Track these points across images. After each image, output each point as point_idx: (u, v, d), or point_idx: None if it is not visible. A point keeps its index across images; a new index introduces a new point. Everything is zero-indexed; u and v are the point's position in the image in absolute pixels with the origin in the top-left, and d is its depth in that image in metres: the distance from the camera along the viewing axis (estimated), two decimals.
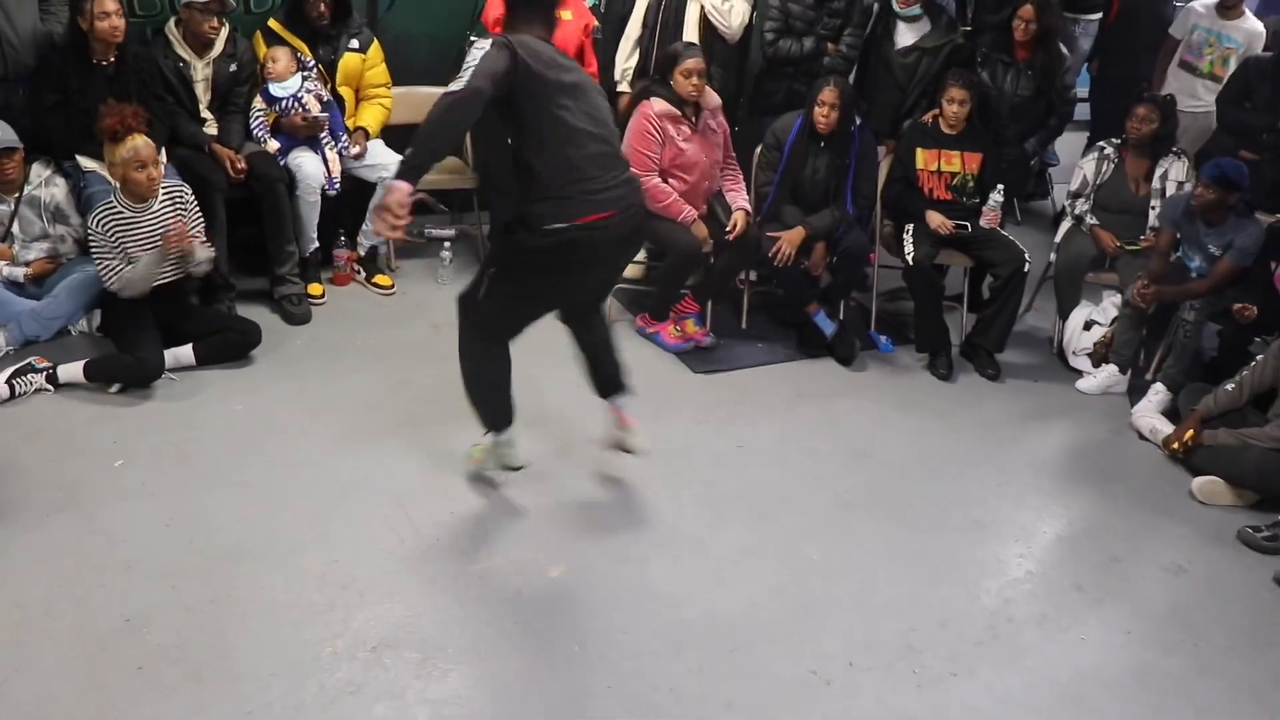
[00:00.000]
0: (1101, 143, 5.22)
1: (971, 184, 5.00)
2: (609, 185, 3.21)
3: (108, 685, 2.79)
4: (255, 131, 4.87)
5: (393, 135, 5.19)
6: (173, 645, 2.92)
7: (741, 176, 4.99)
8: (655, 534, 3.60)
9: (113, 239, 4.10)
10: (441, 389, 3.98)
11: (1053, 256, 5.35)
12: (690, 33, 5.14)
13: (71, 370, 4.08)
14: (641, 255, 5.22)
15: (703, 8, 5.13)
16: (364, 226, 5.17)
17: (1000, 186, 4.98)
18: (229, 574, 3.20)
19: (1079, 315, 5.11)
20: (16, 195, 4.39)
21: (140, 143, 4.05)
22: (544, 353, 3.75)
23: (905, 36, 5.37)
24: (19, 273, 4.42)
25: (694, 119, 4.71)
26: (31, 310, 4.36)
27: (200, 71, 4.77)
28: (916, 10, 5.29)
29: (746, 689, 2.97)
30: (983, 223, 4.95)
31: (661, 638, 3.12)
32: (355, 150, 4.97)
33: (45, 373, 4.06)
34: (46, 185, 4.47)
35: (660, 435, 4.02)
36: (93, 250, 4.18)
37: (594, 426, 3.83)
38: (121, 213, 4.13)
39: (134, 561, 3.24)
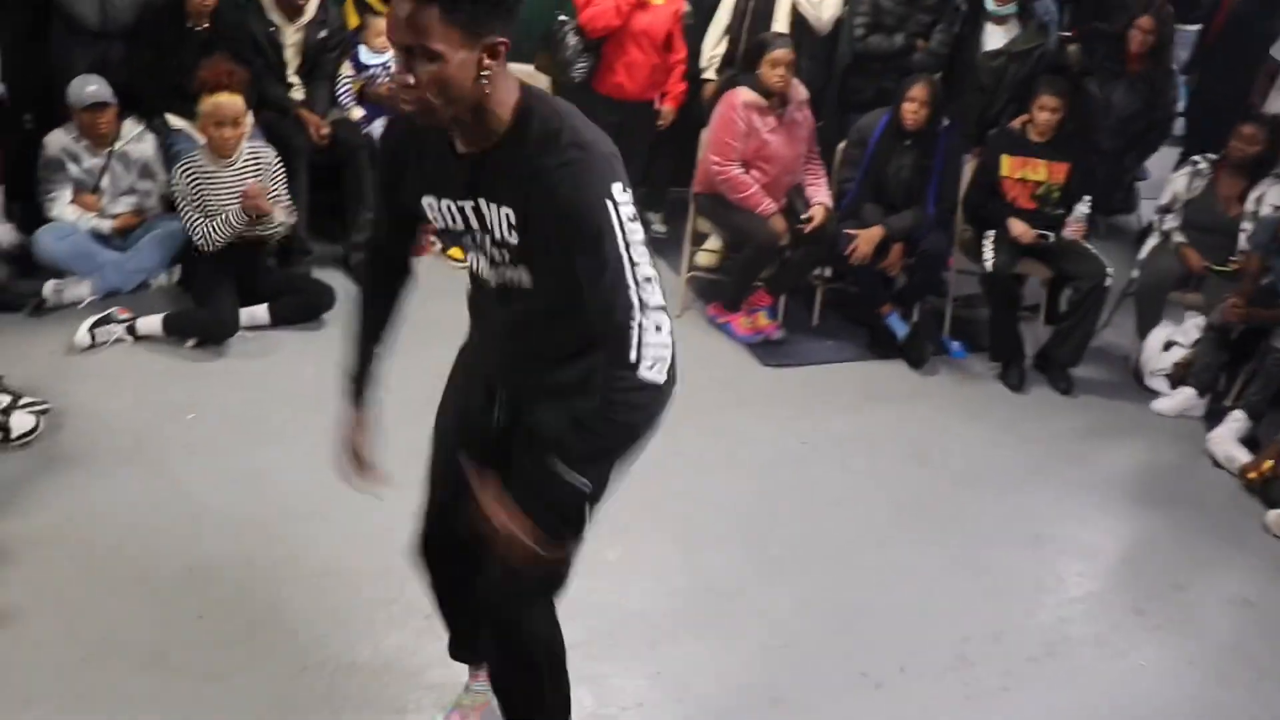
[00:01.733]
0: (1196, 158, 5.10)
1: (1056, 194, 4.90)
2: None
3: (169, 631, 2.85)
4: (341, 98, 4.93)
5: None
6: (232, 597, 2.98)
7: (824, 171, 4.94)
8: (712, 523, 3.59)
9: (193, 191, 4.18)
10: None
11: (1135, 273, 5.24)
12: (780, 23, 5.12)
13: (150, 323, 4.17)
14: (717, 244, 5.21)
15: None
16: None
17: (1087, 198, 4.88)
18: (290, 532, 3.25)
19: (1159, 335, 5.00)
20: (109, 150, 4.49)
21: (224, 100, 4.12)
22: None
23: (993, 39, 5.29)
24: (105, 225, 4.52)
25: (780, 110, 4.67)
26: (115, 262, 4.47)
27: (290, 37, 4.84)
28: (1011, 8, 5.20)
29: (794, 685, 2.95)
30: (1066, 234, 4.85)
31: (712, 629, 3.11)
32: None
33: (126, 324, 4.15)
34: (137, 141, 4.57)
35: (724, 426, 4.02)
36: (177, 203, 4.27)
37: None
38: (204, 167, 4.21)
39: (200, 513, 3.31)
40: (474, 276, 2.02)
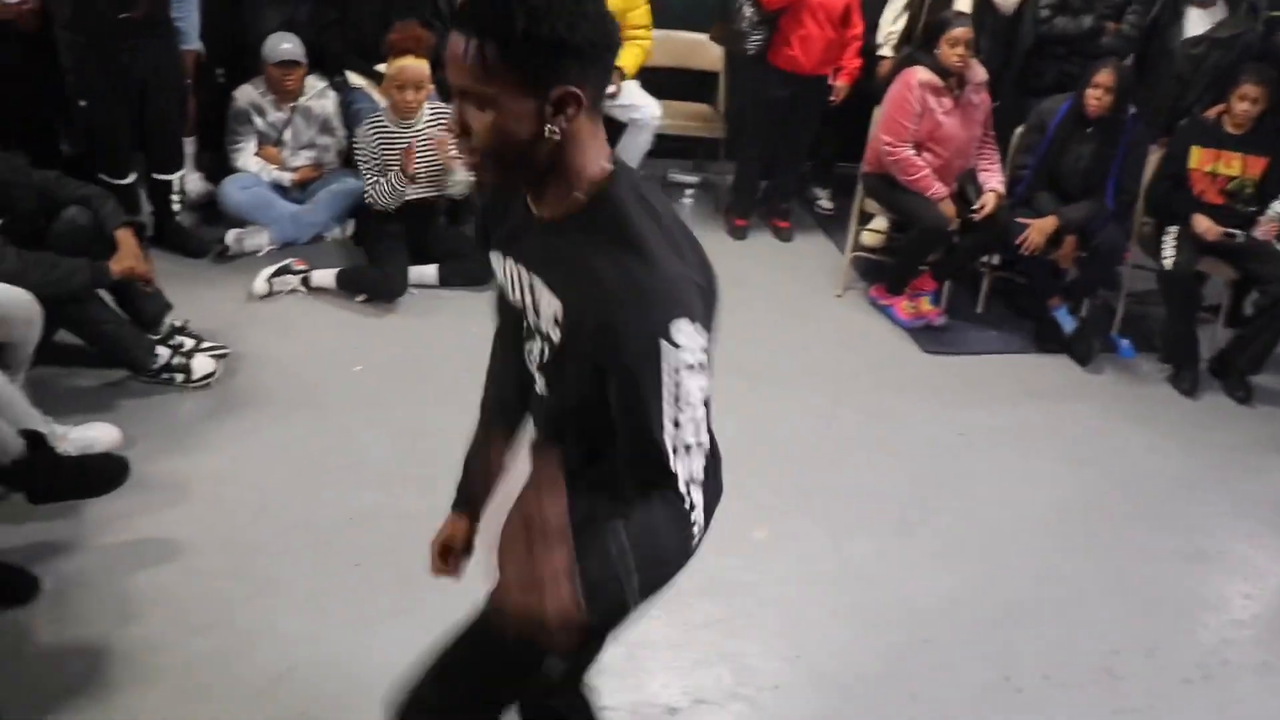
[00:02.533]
0: None
1: (1250, 190, 4.64)
2: None
3: (326, 576, 2.98)
4: None
5: (648, 77, 5.23)
6: (388, 548, 3.08)
7: (998, 156, 4.79)
8: (860, 509, 3.55)
9: (374, 150, 4.31)
10: None
11: None
12: (962, 1, 4.96)
13: (324, 276, 4.33)
14: (883, 224, 5.13)
15: None
16: None
17: None
18: (447, 488, 3.33)
19: None
20: (292, 105, 4.65)
21: (410, 64, 4.22)
22: None
23: (1196, 24, 5.03)
24: (285, 177, 4.70)
25: (956, 91, 4.55)
26: (293, 214, 4.64)
27: None
28: None
29: (933, 682, 2.91)
30: (1258, 234, 4.59)
31: (854, 617, 3.09)
32: (611, 89, 5.02)
33: (301, 275, 4.32)
34: (319, 97, 4.72)
35: (880, 410, 3.97)
36: (357, 160, 4.41)
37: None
38: (386, 127, 4.33)
39: (361, 464, 3.43)
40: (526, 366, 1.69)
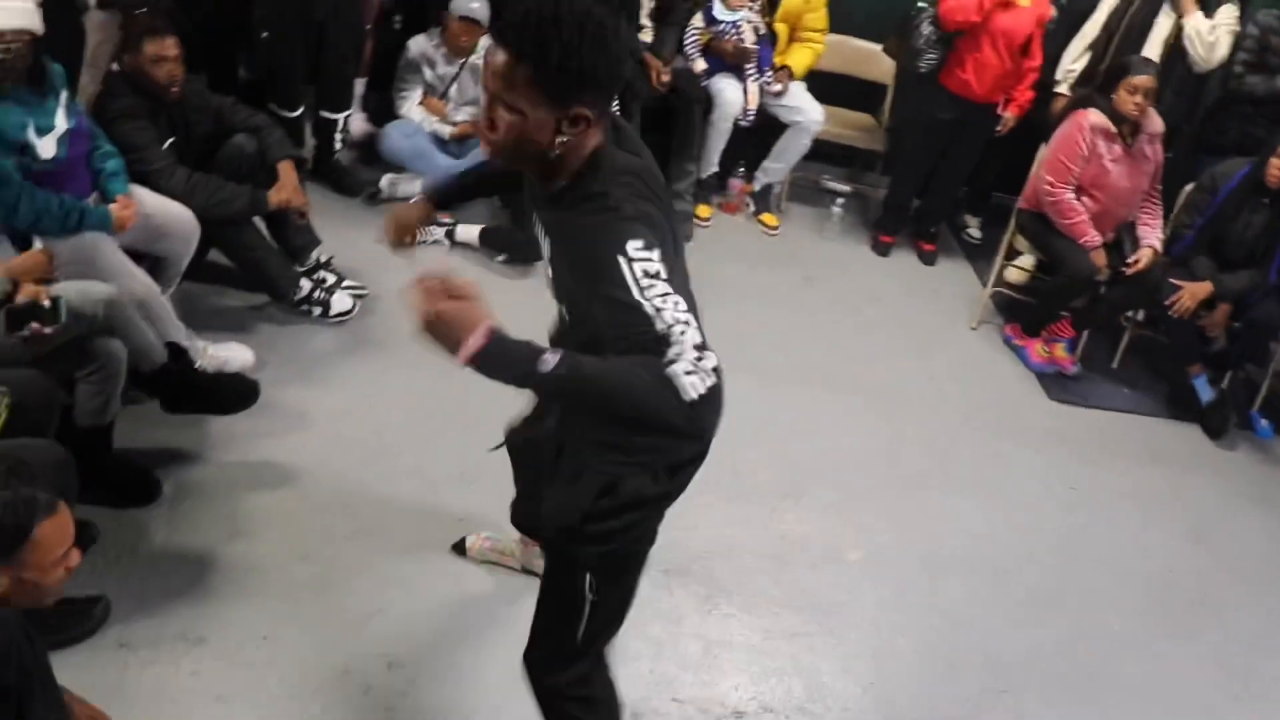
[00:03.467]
0: None
1: None
2: None
3: (431, 527, 3.07)
4: (687, 48, 5.00)
5: (815, 80, 5.20)
6: (492, 507, 3.13)
7: (1161, 211, 4.64)
8: (958, 548, 3.50)
9: None
10: (799, 342, 3.97)
11: None
12: (1153, 48, 4.80)
13: (468, 232, 4.42)
14: (1030, 263, 5.02)
15: (1178, 26, 4.77)
16: (764, 164, 5.25)
17: None
18: None
19: None
20: (463, 61, 4.74)
21: None
22: None
23: None
24: (446, 130, 4.79)
25: (1129, 140, 4.42)
26: (448, 167, 4.72)
27: None
28: None
29: None
30: None
31: (935, 655, 3.07)
32: (777, 87, 5.02)
33: (446, 228, 4.42)
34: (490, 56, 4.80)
35: (996, 450, 3.91)
36: None
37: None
38: None
39: (478, 420, 3.47)
40: None
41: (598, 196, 1.69)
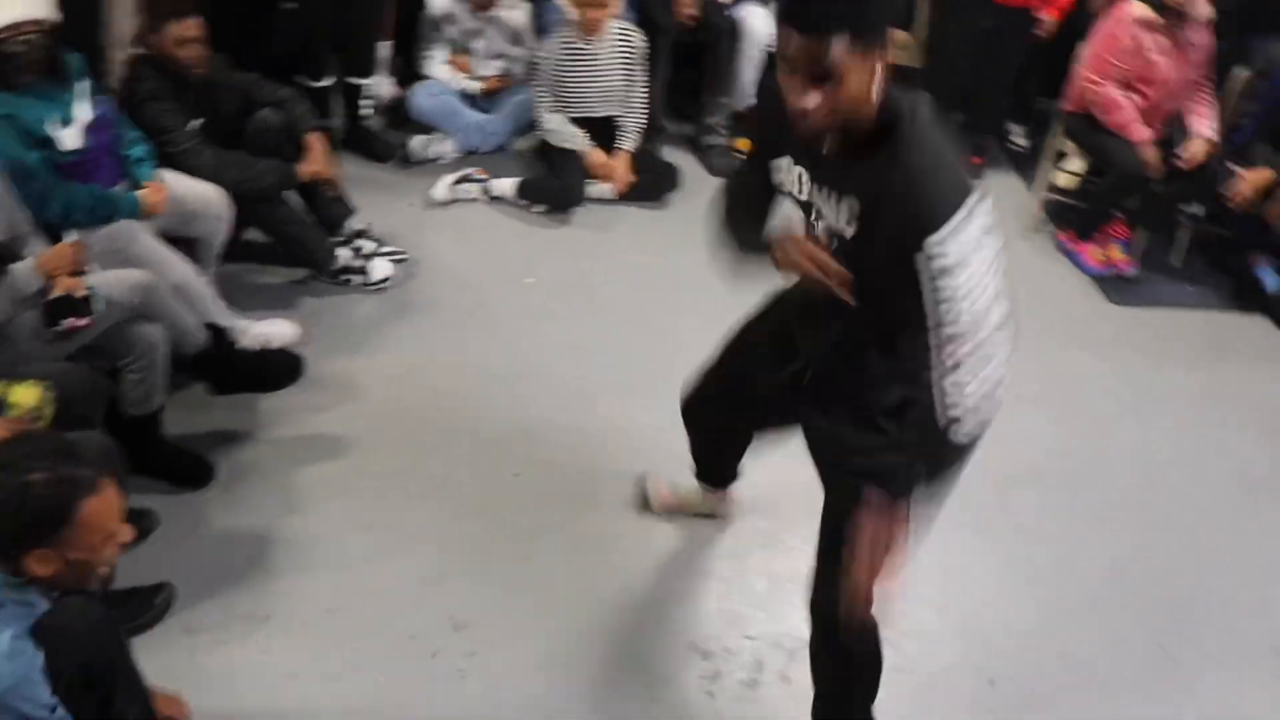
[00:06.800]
0: None
1: None
2: None
3: (487, 486, 3.07)
4: None
5: None
6: (547, 460, 3.14)
7: (1213, 100, 4.46)
8: (1030, 461, 3.39)
9: (552, 69, 4.34)
10: None
11: None
12: None
13: (504, 185, 4.38)
14: (1079, 166, 4.86)
15: None
16: None
17: None
18: (608, 406, 3.37)
19: None
20: (486, 15, 4.67)
21: None
22: None
23: None
24: (474, 86, 4.73)
25: (1175, 29, 4.24)
26: (478, 123, 4.70)
27: None
28: None
29: (1085, 644, 2.83)
30: None
31: (1011, 571, 3.02)
32: None
33: (481, 184, 4.38)
34: (511, 8, 4.73)
35: (1059, 362, 3.82)
36: (536, 76, 4.44)
37: None
38: (572, 42, 4.33)
39: (527, 376, 3.48)
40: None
41: (916, 141, 1.71)
